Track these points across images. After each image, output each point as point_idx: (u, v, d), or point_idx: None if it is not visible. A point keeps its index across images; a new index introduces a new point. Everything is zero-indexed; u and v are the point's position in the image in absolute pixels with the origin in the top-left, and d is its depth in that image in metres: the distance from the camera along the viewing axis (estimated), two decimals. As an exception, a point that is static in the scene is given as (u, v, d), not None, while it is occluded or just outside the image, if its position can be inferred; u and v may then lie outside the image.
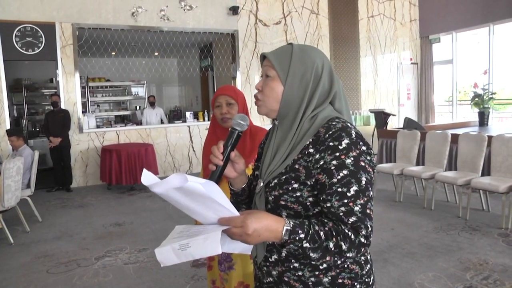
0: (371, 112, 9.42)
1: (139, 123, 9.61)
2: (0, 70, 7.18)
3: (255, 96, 1.27)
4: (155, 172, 7.59)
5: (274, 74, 1.22)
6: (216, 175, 1.24)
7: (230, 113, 2.17)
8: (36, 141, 9.52)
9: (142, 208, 6.13)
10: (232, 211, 1.06)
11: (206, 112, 9.28)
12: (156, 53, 11.55)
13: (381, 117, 8.54)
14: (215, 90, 11.00)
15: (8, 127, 7.18)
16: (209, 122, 8.47)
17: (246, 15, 9.05)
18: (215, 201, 1.03)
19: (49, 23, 7.47)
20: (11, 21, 7.18)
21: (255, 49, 9.14)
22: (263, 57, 1.27)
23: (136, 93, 12.64)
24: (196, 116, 9.18)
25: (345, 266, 1.18)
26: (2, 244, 4.74)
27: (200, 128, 8.83)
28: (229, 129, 1.28)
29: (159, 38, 9.13)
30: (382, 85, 10.88)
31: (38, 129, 10.28)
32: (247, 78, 9.10)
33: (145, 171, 1.08)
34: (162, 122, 9.35)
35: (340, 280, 1.18)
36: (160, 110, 9.51)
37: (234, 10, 8.76)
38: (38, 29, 7.39)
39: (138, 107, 11.88)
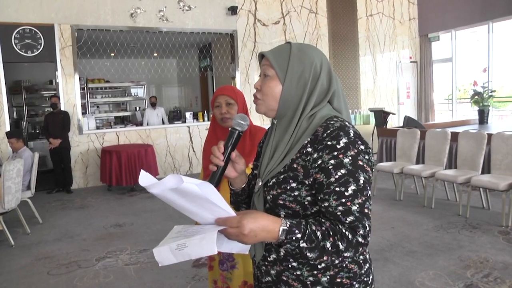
0: (371, 111, 9.42)
1: (139, 124, 9.61)
2: (1, 72, 7.18)
3: (254, 95, 1.27)
4: (155, 173, 7.59)
5: (272, 73, 1.22)
6: (216, 176, 1.24)
7: (230, 113, 2.18)
8: (36, 143, 9.52)
9: (142, 209, 6.13)
10: (229, 211, 1.07)
11: (206, 113, 9.28)
12: (155, 54, 11.54)
13: (381, 116, 8.54)
14: (215, 90, 11.01)
15: (8, 129, 7.18)
16: (209, 122, 8.48)
17: (245, 15, 9.05)
18: (211, 201, 1.03)
19: (48, 24, 7.47)
20: (10, 23, 7.18)
21: (254, 49, 9.14)
22: (262, 56, 1.27)
23: (136, 94, 12.64)
24: (195, 117, 9.18)
25: (344, 265, 1.18)
26: (3, 246, 4.74)
27: (200, 129, 8.83)
28: (229, 129, 1.28)
29: (158, 38, 9.14)
30: (381, 84, 10.88)
31: (38, 131, 10.28)
32: (246, 78, 9.10)
33: (143, 172, 1.08)
34: (163, 122, 9.35)
35: (338, 280, 1.18)
36: (161, 110, 9.50)
37: (233, 10, 8.76)
38: (37, 31, 7.39)
39: (138, 108, 11.88)
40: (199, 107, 12.52)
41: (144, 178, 1.07)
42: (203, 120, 9.07)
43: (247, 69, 9.12)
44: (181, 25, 8.46)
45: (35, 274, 3.95)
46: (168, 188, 1.01)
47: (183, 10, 8.32)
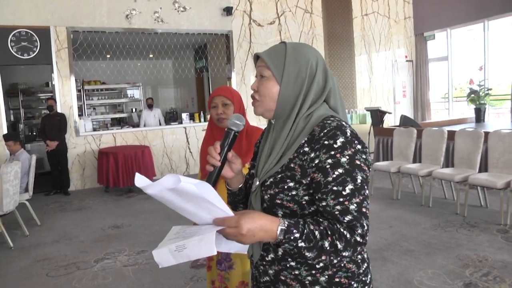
0: (367, 110, 9.44)
1: (136, 125, 9.60)
2: (-3, 75, 7.18)
3: (252, 97, 1.27)
4: (152, 174, 7.58)
5: (269, 74, 1.22)
6: (213, 176, 1.24)
7: (226, 113, 2.20)
8: (33, 145, 9.49)
9: (140, 210, 6.12)
10: (226, 211, 1.07)
11: (202, 113, 9.27)
12: (151, 55, 11.52)
13: (377, 115, 8.57)
14: (211, 91, 11.02)
15: (5, 131, 7.16)
16: (205, 123, 8.50)
17: (240, 16, 9.05)
18: (209, 201, 1.03)
19: (44, 27, 7.46)
20: (6, 26, 7.17)
21: (250, 50, 9.14)
22: (257, 57, 1.27)
23: (132, 95, 12.61)
24: (192, 118, 9.18)
25: (342, 265, 1.18)
26: (2, 248, 4.74)
27: (197, 130, 8.83)
28: (225, 129, 1.29)
29: (153, 40, 9.11)
30: (377, 83, 10.91)
31: (34, 133, 10.26)
32: (242, 79, 9.10)
33: (137, 174, 1.08)
34: (160, 124, 9.34)
35: (337, 279, 1.18)
36: (157, 111, 9.48)
37: (228, 10, 8.76)
38: (33, 33, 7.38)
39: (134, 109, 11.86)
40: (195, 108, 12.50)
41: (140, 180, 1.07)
42: (200, 121, 9.06)
43: (243, 70, 9.13)
44: (177, 26, 8.46)
45: (34, 276, 3.94)
46: (166, 188, 1.01)
47: (178, 11, 8.31)
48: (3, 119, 7.30)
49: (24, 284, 3.78)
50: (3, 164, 5.16)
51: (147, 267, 3.98)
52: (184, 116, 9.08)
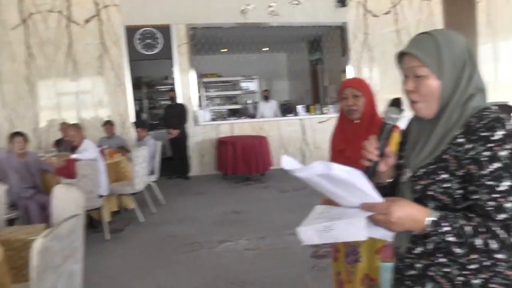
0: (494, 105, 8.67)
1: (251, 116, 9.91)
2: (127, 70, 7.99)
3: (410, 99, 1.22)
4: (269, 164, 7.75)
5: (426, 72, 1.16)
6: (371, 170, 1.24)
7: (357, 105, 2.20)
8: (155, 133, 10.27)
9: (258, 198, 6.32)
10: (376, 198, 1.08)
11: (318, 105, 9.25)
12: (266, 48, 11.75)
13: (505, 110, 7.85)
14: (326, 84, 10.94)
15: (134, 120, 7.93)
16: (321, 116, 8.51)
17: (355, 7, 8.86)
18: (359, 188, 1.06)
19: (165, 25, 8.10)
20: (134, 25, 7.94)
21: (365, 41, 8.91)
22: (401, 54, 1.21)
23: (247, 87, 12.99)
24: (308, 110, 9.20)
25: (499, 270, 1.10)
26: (133, 222, 5.32)
27: (313, 122, 8.84)
28: (383, 123, 1.27)
29: (268, 33, 9.30)
30: (504, 75, 9.92)
31: (156, 122, 11.14)
32: (358, 71, 8.91)
33: (285, 156, 1.14)
34: (276, 115, 9.53)
35: (492, 285, 1.10)
36: (273, 103, 9.63)
37: (342, 2, 8.63)
38: (156, 31, 8.04)
39: (250, 101, 12.20)
40: (309, 100, 12.45)
41: (288, 162, 1.13)
42: (316, 113, 9.07)
43: (359, 62, 8.92)
44: (291, 19, 8.54)
45: (163, 250, 4.35)
46: (316, 174, 1.06)
47: (292, 5, 8.39)
48: (132, 109, 8.08)
49: (155, 257, 4.17)
50: (133, 149, 5.74)
51: (268, 253, 4.10)
52: (300, 108, 9.15)
